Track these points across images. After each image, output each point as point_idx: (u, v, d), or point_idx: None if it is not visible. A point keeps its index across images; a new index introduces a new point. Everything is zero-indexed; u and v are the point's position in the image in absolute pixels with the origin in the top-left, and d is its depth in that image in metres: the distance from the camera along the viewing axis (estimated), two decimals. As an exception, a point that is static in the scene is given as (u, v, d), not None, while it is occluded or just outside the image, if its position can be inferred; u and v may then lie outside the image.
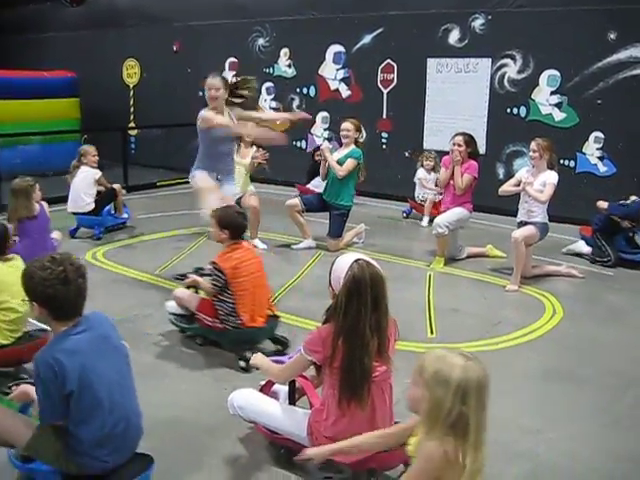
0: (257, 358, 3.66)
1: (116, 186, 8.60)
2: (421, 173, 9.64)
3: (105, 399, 2.82)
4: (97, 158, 8.47)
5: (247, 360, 3.66)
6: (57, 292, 2.81)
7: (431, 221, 8.41)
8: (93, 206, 8.27)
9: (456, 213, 7.38)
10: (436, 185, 9.08)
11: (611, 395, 4.41)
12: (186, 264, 7.23)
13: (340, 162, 7.88)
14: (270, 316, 4.97)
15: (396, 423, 3.18)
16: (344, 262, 3.17)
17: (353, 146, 7.94)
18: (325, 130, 11.70)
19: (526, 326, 5.58)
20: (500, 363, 4.86)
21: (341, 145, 8.19)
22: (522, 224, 6.75)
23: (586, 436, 3.88)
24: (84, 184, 8.29)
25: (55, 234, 6.63)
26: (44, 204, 6.35)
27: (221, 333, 4.82)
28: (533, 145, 6.69)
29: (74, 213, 8.35)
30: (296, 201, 8.07)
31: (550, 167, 6.69)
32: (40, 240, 5.96)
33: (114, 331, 3.05)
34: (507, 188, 6.94)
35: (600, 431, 3.94)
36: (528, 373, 4.74)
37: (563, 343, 5.29)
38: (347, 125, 7.95)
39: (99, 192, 8.40)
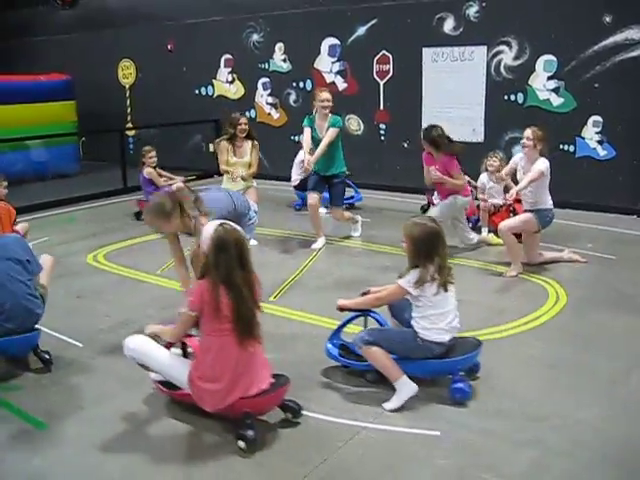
0: (150, 327, 4.14)
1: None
2: (484, 178, 8.27)
3: None
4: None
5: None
6: None
7: (491, 232, 7.89)
8: (298, 182, 9.54)
9: (447, 204, 7.35)
10: (505, 190, 7.84)
11: (616, 380, 4.38)
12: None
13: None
14: None
15: None
16: (211, 227, 3.73)
17: (330, 115, 7.67)
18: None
19: (530, 313, 5.56)
20: (505, 351, 4.85)
21: None
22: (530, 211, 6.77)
23: (593, 422, 3.85)
24: (295, 163, 9.69)
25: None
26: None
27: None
28: (528, 133, 6.59)
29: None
30: (315, 198, 7.75)
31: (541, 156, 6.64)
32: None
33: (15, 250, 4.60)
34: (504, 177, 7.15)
35: (607, 417, 3.92)
36: (533, 361, 4.71)
37: (567, 329, 5.26)
38: (327, 95, 7.67)
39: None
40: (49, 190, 11.15)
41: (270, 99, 12.25)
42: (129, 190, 11.16)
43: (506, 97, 9.69)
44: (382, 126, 10.98)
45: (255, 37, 12.27)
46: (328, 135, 7.50)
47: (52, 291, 5.06)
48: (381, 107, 10.99)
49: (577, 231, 8.24)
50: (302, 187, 9.30)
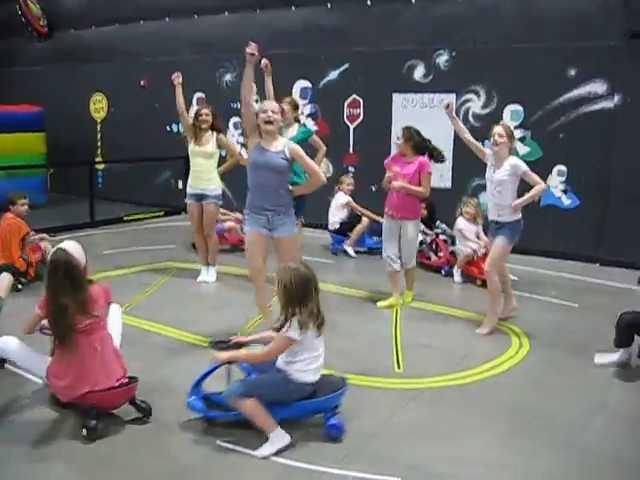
0: None
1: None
2: (461, 223, 8.33)
3: None
4: (351, 187, 9.85)
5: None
6: None
7: (466, 279, 8.03)
8: (338, 226, 9.66)
9: (415, 237, 7.24)
10: (478, 237, 8.25)
11: (578, 425, 4.43)
12: (152, 301, 7.22)
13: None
14: None
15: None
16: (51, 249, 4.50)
17: (296, 126, 7.48)
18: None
19: (493, 359, 5.61)
20: (468, 398, 4.87)
21: None
22: (495, 225, 6.29)
23: (551, 470, 3.88)
24: (333, 206, 9.75)
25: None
26: None
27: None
28: (500, 130, 6.19)
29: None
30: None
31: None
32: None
33: None
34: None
35: (569, 463, 3.95)
36: (495, 408, 4.73)
37: (529, 376, 5.31)
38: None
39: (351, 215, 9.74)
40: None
41: (241, 139, 12.32)
42: (97, 224, 11.09)
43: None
44: (351, 169, 11.09)
45: (228, 77, 12.38)
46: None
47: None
48: (351, 150, 11.12)
49: (541, 278, 8.36)
50: (342, 231, 9.54)
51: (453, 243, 8.63)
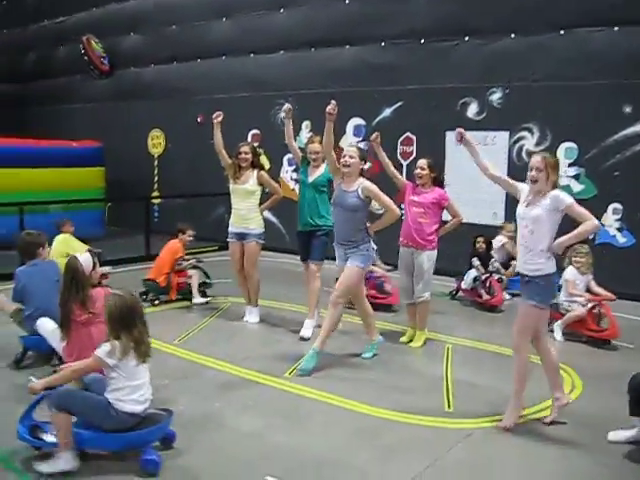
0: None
1: None
2: (570, 274, 7.53)
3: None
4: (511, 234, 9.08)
5: None
6: None
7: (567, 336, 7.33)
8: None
9: (429, 268, 6.98)
10: (588, 291, 7.51)
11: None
12: (205, 334, 7.32)
13: (316, 183, 7.29)
14: None
15: None
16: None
17: (324, 166, 7.26)
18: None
19: (543, 401, 5.52)
20: (515, 439, 4.79)
21: None
22: (524, 280, 4.97)
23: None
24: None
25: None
26: None
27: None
28: (538, 162, 4.96)
29: None
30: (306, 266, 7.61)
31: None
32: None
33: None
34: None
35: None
36: (544, 450, 4.66)
37: (579, 419, 5.19)
38: (316, 147, 7.27)
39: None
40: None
41: (294, 175, 12.47)
42: (152, 257, 11.28)
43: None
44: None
45: (283, 114, 12.56)
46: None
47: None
48: (404, 187, 11.14)
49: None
50: None
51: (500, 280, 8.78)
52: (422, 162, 7.14)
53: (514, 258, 8.40)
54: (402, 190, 7.19)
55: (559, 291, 7.38)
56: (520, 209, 5.04)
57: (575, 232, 4.79)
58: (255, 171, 7.76)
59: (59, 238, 8.78)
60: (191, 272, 8.83)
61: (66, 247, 8.41)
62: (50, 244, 7.15)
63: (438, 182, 7.13)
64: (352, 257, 6.25)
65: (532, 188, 4.96)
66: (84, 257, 5.15)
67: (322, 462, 4.31)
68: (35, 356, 6.14)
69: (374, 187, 6.27)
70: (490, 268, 8.93)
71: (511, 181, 5.35)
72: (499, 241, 9.29)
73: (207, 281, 9.03)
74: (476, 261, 8.93)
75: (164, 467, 4.15)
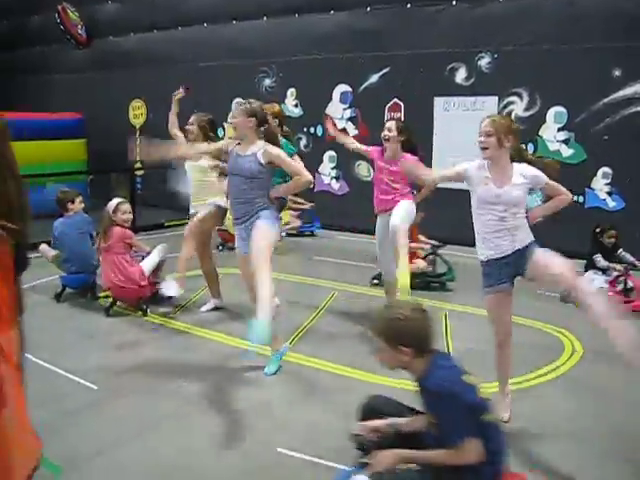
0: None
1: None
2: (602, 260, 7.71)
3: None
4: None
5: None
6: None
7: None
8: None
9: (405, 207, 6.04)
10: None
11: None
12: (199, 304, 7.26)
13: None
14: None
15: None
16: None
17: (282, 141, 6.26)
18: (332, 169, 11.76)
19: (544, 366, 5.52)
20: (527, 402, 4.80)
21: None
22: (515, 256, 4.30)
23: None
24: None
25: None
26: None
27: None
28: (485, 126, 4.45)
29: None
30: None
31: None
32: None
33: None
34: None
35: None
36: (553, 412, 4.67)
37: (583, 383, 5.21)
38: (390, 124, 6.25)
39: None
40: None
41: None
42: (137, 229, 11.14)
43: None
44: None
45: (267, 82, 12.42)
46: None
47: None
48: (391, 153, 11.06)
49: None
50: None
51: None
52: (390, 123, 6.17)
53: None
54: (370, 158, 6.40)
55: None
56: (490, 191, 4.25)
57: (553, 205, 4.51)
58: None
59: None
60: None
61: None
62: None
63: (409, 147, 6.13)
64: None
65: (485, 159, 4.35)
66: (110, 203, 6.98)
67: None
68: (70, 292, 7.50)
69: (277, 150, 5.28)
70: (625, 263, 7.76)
71: (453, 169, 4.63)
72: None
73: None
74: (602, 261, 7.78)
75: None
